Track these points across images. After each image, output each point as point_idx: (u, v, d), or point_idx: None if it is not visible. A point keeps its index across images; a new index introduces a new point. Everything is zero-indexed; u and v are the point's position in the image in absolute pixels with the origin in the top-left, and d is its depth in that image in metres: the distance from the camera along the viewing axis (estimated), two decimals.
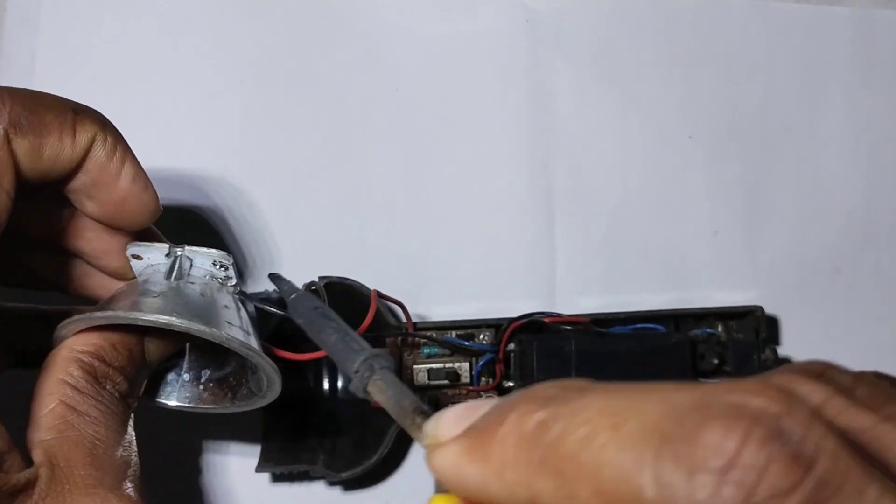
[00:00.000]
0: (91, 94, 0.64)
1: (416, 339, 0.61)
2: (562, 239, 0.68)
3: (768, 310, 0.66)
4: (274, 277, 0.55)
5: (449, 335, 0.62)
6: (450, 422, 0.33)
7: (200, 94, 0.66)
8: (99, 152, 0.48)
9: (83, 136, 0.48)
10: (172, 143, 0.66)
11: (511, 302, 0.66)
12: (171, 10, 0.66)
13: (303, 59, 0.67)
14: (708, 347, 0.65)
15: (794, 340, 0.70)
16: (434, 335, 0.62)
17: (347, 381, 0.47)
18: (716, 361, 0.65)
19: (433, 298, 0.66)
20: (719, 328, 0.66)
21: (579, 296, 0.68)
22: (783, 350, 0.70)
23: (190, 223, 0.65)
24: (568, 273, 0.68)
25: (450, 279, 0.67)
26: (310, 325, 0.50)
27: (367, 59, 0.68)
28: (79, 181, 0.48)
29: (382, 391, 0.41)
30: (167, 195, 0.64)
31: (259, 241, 0.65)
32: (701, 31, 0.71)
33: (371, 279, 0.62)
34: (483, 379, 0.62)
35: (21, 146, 0.45)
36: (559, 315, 0.63)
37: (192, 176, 0.65)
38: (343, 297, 0.59)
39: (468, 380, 0.62)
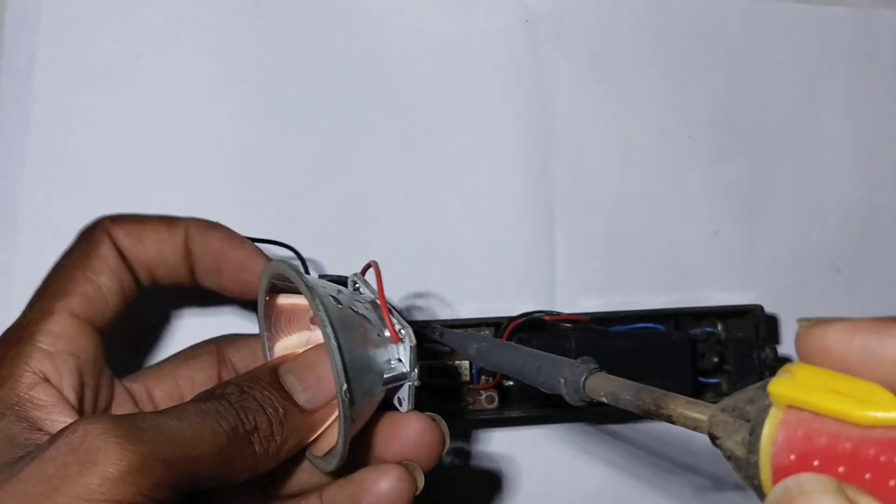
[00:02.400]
0: (91, 93, 0.64)
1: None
2: (562, 239, 0.68)
3: (768, 309, 0.66)
4: (428, 328, 0.58)
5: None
6: None
7: (200, 93, 0.66)
8: (197, 235, 0.54)
9: (178, 225, 0.54)
10: (172, 142, 0.65)
11: (511, 302, 0.66)
12: (172, 10, 0.66)
13: (303, 59, 0.67)
14: (708, 346, 0.65)
15: (793, 339, 0.70)
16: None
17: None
18: (716, 360, 0.65)
19: (433, 298, 0.66)
20: (719, 327, 0.66)
21: (579, 296, 0.68)
22: (783, 349, 0.70)
23: None
24: (568, 273, 0.68)
25: (450, 279, 0.67)
26: (488, 358, 0.53)
27: (367, 59, 0.68)
28: (200, 269, 0.55)
29: (607, 380, 0.43)
30: (167, 195, 0.65)
31: (258, 241, 0.65)
32: (701, 31, 0.71)
33: (370, 279, 0.62)
34: (483, 377, 0.62)
35: (119, 232, 0.52)
36: (559, 313, 0.63)
37: (191, 176, 0.65)
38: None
39: (468, 378, 0.62)
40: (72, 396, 0.48)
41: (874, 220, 0.72)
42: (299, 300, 0.54)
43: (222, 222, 0.64)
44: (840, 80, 0.72)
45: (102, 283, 0.51)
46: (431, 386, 0.62)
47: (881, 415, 0.30)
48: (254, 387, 0.48)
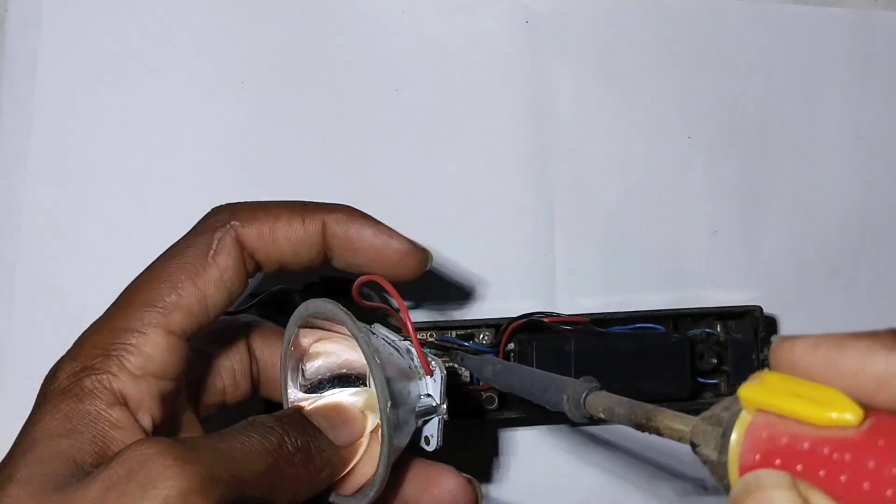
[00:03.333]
0: (92, 94, 0.65)
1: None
2: (562, 239, 0.68)
3: (767, 310, 0.66)
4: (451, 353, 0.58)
5: (448, 335, 0.62)
6: None
7: (201, 94, 0.66)
8: (338, 230, 0.52)
9: (314, 218, 0.52)
10: (173, 143, 0.66)
11: (511, 301, 0.66)
12: (172, 11, 0.66)
13: (303, 60, 0.67)
14: (707, 347, 0.65)
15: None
16: (433, 336, 0.62)
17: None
18: (714, 361, 0.65)
19: (433, 299, 0.67)
20: (718, 328, 0.66)
21: (579, 296, 0.68)
22: None
23: (190, 223, 0.65)
24: (567, 273, 0.68)
25: (450, 279, 0.67)
26: (501, 380, 0.54)
27: (367, 60, 0.68)
28: (341, 260, 0.54)
29: (605, 398, 0.45)
30: (168, 194, 0.65)
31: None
32: (700, 32, 0.71)
33: None
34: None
35: (250, 234, 0.50)
36: (558, 315, 0.63)
37: (192, 176, 0.66)
38: (344, 296, 0.59)
39: (468, 379, 0.63)
40: (146, 421, 0.46)
41: (872, 221, 0.72)
42: (326, 335, 0.54)
43: None
44: (838, 81, 0.72)
45: (211, 296, 0.48)
46: None
47: (836, 416, 0.33)
48: (286, 419, 0.48)
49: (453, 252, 0.68)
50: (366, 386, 0.53)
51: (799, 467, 0.33)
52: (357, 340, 0.48)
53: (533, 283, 0.68)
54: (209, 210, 0.52)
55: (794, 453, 0.34)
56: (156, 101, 0.66)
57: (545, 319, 0.63)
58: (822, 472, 0.33)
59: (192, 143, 0.66)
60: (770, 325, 0.69)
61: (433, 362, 0.51)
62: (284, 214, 0.51)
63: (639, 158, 0.70)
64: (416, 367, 0.51)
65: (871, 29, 0.73)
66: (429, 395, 0.51)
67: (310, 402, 0.52)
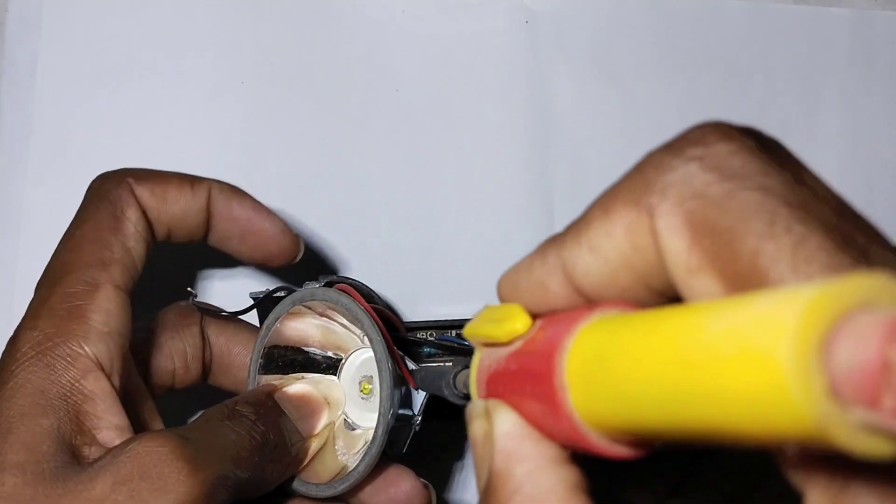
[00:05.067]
0: (92, 94, 0.65)
1: (414, 339, 0.61)
2: None
3: None
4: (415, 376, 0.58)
5: (448, 334, 0.62)
6: None
7: (201, 94, 0.67)
8: (221, 200, 0.54)
9: (201, 186, 0.53)
10: (173, 143, 0.66)
11: None
12: (172, 11, 0.66)
13: (303, 60, 0.68)
14: None
15: None
16: (433, 335, 0.62)
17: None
18: None
19: (433, 299, 0.67)
20: None
21: None
22: None
23: None
24: None
25: (450, 279, 0.67)
26: (424, 386, 0.54)
27: (367, 60, 0.68)
28: (217, 232, 0.54)
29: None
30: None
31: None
32: (700, 32, 0.71)
33: (371, 279, 0.62)
34: None
35: (144, 191, 0.50)
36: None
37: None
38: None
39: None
40: (118, 383, 0.45)
41: (873, 221, 0.72)
42: (299, 316, 0.55)
43: None
44: (838, 81, 0.72)
45: (134, 248, 0.49)
46: None
47: (509, 328, 0.35)
48: (263, 408, 0.49)
49: (453, 252, 0.68)
50: (332, 374, 0.54)
51: (500, 389, 0.35)
52: (372, 343, 0.49)
53: None
54: (96, 177, 0.52)
55: (496, 376, 0.36)
56: (156, 102, 0.66)
57: None
58: (509, 386, 0.34)
59: (192, 143, 0.66)
60: None
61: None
62: (175, 179, 0.52)
63: (639, 158, 0.69)
64: (400, 374, 0.52)
65: (871, 29, 0.72)
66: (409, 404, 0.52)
67: (277, 381, 0.54)
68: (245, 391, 0.54)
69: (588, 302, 0.33)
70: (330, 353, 0.55)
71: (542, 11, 0.70)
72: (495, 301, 0.66)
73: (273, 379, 0.54)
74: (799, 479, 0.27)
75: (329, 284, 0.57)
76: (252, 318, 0.59)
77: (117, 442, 0.43)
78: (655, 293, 0.31)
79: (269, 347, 0.54)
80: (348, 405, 0.54)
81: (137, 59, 0.66)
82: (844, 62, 0.72)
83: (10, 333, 0.61)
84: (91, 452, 0.43)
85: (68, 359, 0.44)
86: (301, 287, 0.56)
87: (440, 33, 0.69)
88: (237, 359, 0.57)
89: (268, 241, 0.55)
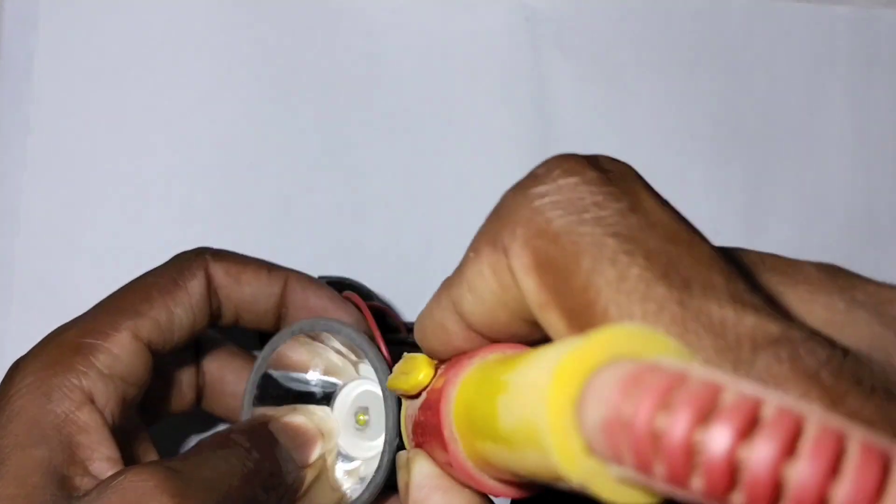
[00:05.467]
0: (90, 94, 0.65)
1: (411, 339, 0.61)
2: None
3: None
4: None
5: None
6: None
7: (199, 93, 0.66)
8: (298, 290, 0.55)
9: (278, 274, 0.54)
10: (171, 142, 0.66)
11: None
12: (170, 9, 0.66)
13: (301, 59, 0.67)
14: None
15: None
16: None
17: None
18: None
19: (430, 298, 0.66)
20: None
21: None
22: None
23: (188, 223, 0.65)
24: None
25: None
26: None
27: (367, 59, 0.68)
28: (286, 321, 0.55)
29: None
30: (166, 194, 0.65)
31: (258, 241, 0.65)
32: (702, 30, 0.71)
33: (370, 279, 0.62)
34: None
35: (218, 270, 0.52)
36: None
37: (191, 175, 0.66)
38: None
39: None
40: (111, 421, 0.46)
41: (875, 220, 0.72)
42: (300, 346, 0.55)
43: (224, 218, 0.64)
44: (841, 80, 0.72)
45: (177, 314, 0.50)
46: None
47: (413, 381, 0.36)
48: (257, 437, 0.49)
49: (453, 252, 0.67)
50: (326, 405, 0.55)
51: (420, 439, 0.36)
52: (377, 372, 0.49)
53: None
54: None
55: (416, 427, 0.36)
56: (154, 100, 0.66)
57: None
58: (422, 437, 0.35)
59: (191, 142, 0.66)
60: None
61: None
62: (253, 263, 0.54)
63: (640, 157, 0.68)
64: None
65: (874, 27, 0.72)
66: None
67: (271, 412, 0.53)
68: (239, 420, 0.54)
69: (484, 341, 0.34)
70: (325, 384, 0.55)
71: (543, 9, 0.69)
72: None
73: (268, 410, 0.54)
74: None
75: (333, 284, 0.57)
76: None
77: (109, 473, 0.43)
78: (537, 328, 0.31)
79: (264, 377, 0.54)
80: (343, 436, 0.55)
81: (135, 57, 0.66)
82: (847, 60, 0.72)
83: (8, 332, 0.62)
84: (83, 483, 0.43)
85: (65, 390, 0.45)
86: None
87: (440, 31, 0.69)
88: (229, 386, 0.57)
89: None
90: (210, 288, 0.52)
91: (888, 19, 0.72)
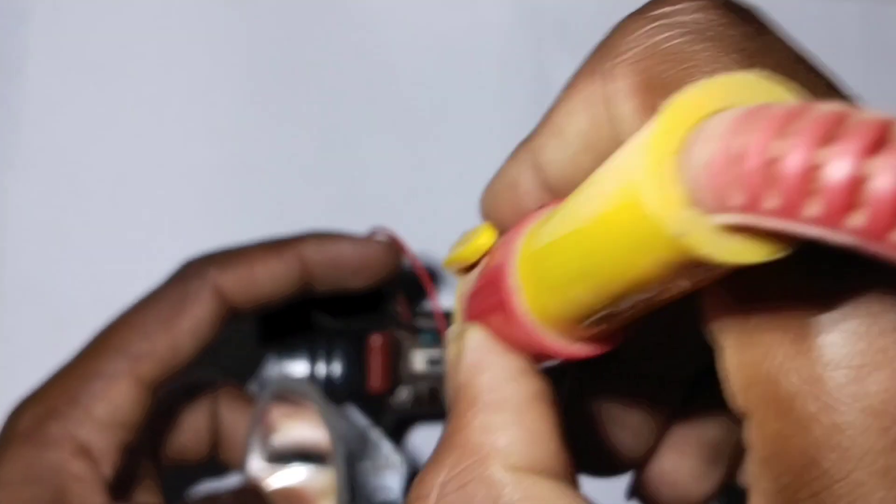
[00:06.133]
0: (83, 91, 0.65)
1: (415, 325, 0.61)
2: None
3: None
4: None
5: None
6: None
7: (194, 90, 0.66)
8: (316, 253, 0.54)
9: (289, 251, 0.53)
10: (165, 140, 0.66)
11: None
12: (163, 5, 0.66)
13: (299, 53, 0.67)
14: None
15: None
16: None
17: None
18: None
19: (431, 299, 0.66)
20: None
21: None
22: None
23: (182, 222, 0.65)
24: None
25: (449, 279, 0.66)
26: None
27: (366, 56, 0.68)
28: (326, 280, 0.55)
29: None
30: (160, 190, 0.64)
31: (253, 239, 0.65)
32: None
33: None
34: None
35: (229, 279, 0.51)
36: None
37: (185, 171, 0.65)
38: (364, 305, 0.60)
39: None
40: (107, 472, 0.46)
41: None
42: (299, 416, 0.54)
43: (217, 217, 0.64)
44: (848, 76, 0.71)
45: (182, 346, 0.49)
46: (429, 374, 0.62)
47: (474, 245, 0.34)
48: (245, 495, 0.50)
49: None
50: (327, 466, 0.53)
51: (473, 310, 0.34)
52: (324, 423, 0.48)
53: None
54: (184, 262, 0.52)
55: (470, 299, 0.34)
56: (147, 96, 0.66)
57: None
58: (480, 305, 0.33)
59: (185, 140, 0.66)
60: None
61: (395, 456, 0.52)
62: (259, 254, 0.53)
63: None
64: (379, 456, 0.52)
65: (881, 23, 0.72)
66: (390, 487, 0.52)
67: (270, 474, 0.53)
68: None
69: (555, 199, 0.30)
70: (322, 447, 0.54)
71: (544, 6, 0.70)
72: None
73: (267, 468, 0.53)
74: (714, 334, 0.25)
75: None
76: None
77: None
78: None
79: (263, 435, 0.54)
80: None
81: (129, 54, 0.66)
82: (854, 56, 0.72)
83: None
84: None
85: (60, 440, 0.45)
86: None
87: (440, 27, 0.69)
88: (245, 437, 0.56)
89: (380, 265, 0.57)
90: (220, 303, 0.51)
91: (895, 16, 0.73)
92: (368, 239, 0.56)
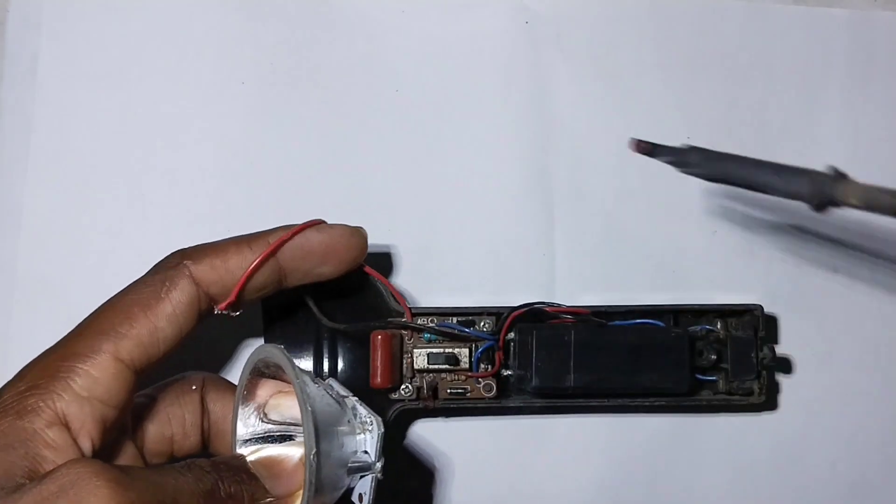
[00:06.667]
0: (93, 94, 0.65)
1: (415, 325, 0.62)
2: (561, 239, 0.69)
3: (767, 309, 0.66)
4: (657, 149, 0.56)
5: (450, 321, 0.63)
6: None
7: (201, 94, 0.67)
8: (285, 244, 0.55)
9: (259, 242, 0.55)
10: (173, 143, 0.66)
11: (511, 299, 0.66)
12: (173, 11, 0.67)
13: (303, 60, 0.68)
14: (706, 344, 0.65)
15: (791, 339, 0.70)
16: (434, 321, 0.63)
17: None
18: (713, 357, 0.65)
19: (433, 298, 0.66)
20: (718, 325, 0.66)
21: (579, 295, 0.68)
22: (781, 349, 0.70)
23: (190, 224, 0.66)
24: (567, 273, 0.68)
25: (450, 279, 0.67)
26: (708, 167, 0.54)
27: (367, 60, 0.69)
28: (297, 272, 0.56)
29: (860, 187, 0.44)
30: (169, 194, 0.65)
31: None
32: (699, 32, 0.71)
33: None
34: (482, 365, 0.62)
35: (203, 269, 0.53)
36: (560, 305, 0.63)
37: (193, 176, 0.66)
38: (347, 281, 0.60)
39: (467, 365, 0.62)
40: (86, 444, 0.47)
41: (872, 220, 0.72)
42: (283, 388, 0.55)
43: (223, 222, 0.64)
44: (838, 82, 0.72)
45: (162, 329, 0.51)
46: (430, 371, 0.63)
47: None
48: (226, 465, 0.49)
49: (452, 252, 0.68)
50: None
51: None
52: (294, 385, 0.49)
53: (532, 284, 0.68)
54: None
55: None
56: (156, 101, 0.66)
57: (546, 309, 0.62)
58: None
59: (193, 143, 0.66)
60: (770, 323, 0.69)
61: (371, 418, 0.52)
62: (232, 246, 0.54)
63: (638, 158, 0.69)
64: (355, 422, 0.52)
65: (870, 29, 0.73)
66: (365, 452, 0.52)
67: (255, 450, 0.54)
68: None
69: None
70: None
71: (542, 12, 0.70)
72: (494, 291, 0.67)
73: (252, 447, 0.54)
74: None
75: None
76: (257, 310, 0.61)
77: None
78: None
79: (247, 416, 0.55)
80: None
81: (138, 58, 0.66)
82: (843, 62, 0.72)
83: (10, 332, 0.62)
84: None
85: (37, 410, 0.46)
86: None
87: (440, 33, 0.69)
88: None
89: (347, 249, 0.58)
90: (198, 292, 0.52)
91: (884, 22, 0.73)
92: (335, 225, 0.57)
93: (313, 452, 0.47)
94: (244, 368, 0.54)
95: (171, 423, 0.55)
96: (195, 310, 0.52)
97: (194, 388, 0.56)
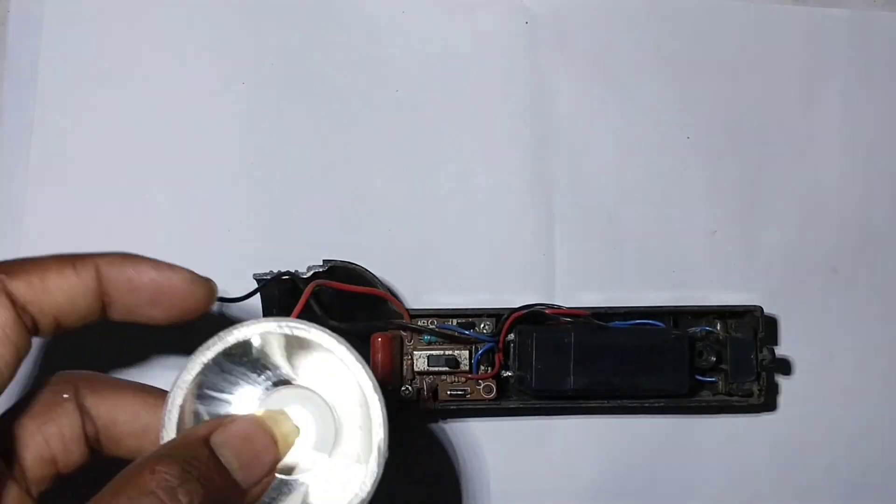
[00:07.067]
0: (93, 95, 0.65)
1: (416, 326, 0.62)
2: (561, 239, 0.69)
3: (766, 310, 0.66)
4: None
5: (450, 323, 0.63)
6: None
7: (202, 95, 0.67)
8: (113, 272, 0.49)
9: (85, 264, 0.49)
10: (174, 143, 0.66)
11: (510, 299, 0.66)
12: (174, 11, 0.67)
13: (304, 61, 0.68)
14: (706, 345, 0.65)
15: (791, 340, 0.70)
16: (434, 323, 0.63)
17: None
18: (713, 359, 0.65)
19: (433, 298, 0.67)
20: (718, 326, 0.66)
21: (578, 295, 0.68)
22: (780, 350, 0.70)
23: (191, 225, 0.66)
24: (567, 273, 0.68)
25: (450, 279, 0.67)
26: None
27: (368, 61, 0.69)
28: (120, 307, 0.50)
29: None
30: (169, 195, 0.65)
31: (260, 242, 0.65)
32: (699, 33, 0.71)
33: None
34: (482, 367, 0.62)
35: (20, 286, 0.46)
36: (559, 307, 0.63)
37: (193, 177, 0.66)
38: (347, 281, 0.61)
39: (467, 367, 0.63)
40: None
41: (871, 220, 0.72)
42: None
43: (224, 222, 0.65)
44: (837, 82, 0.72)
45: None
46: (430, 373, 0.63)
47: None
48: (194, 467, 0.43)
49: (454, 252, 0.68)
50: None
51: None
52: (356, 371, 0.47)
53: (532, 285, 0.68)
54: None
55: None
56: (157, 102, 0.66)
57: (546, 311, 0.63)
58: None
59: (193, 144, 0.66)
60: (770, 324, 0.69)
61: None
62: (54, 264, 0.48)
63: (638, 158, 0.70)
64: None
65: (870, 29, 0.73)
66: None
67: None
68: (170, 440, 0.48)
69: None
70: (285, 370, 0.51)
71: (542, 13, 0.70)
72: (494, 292, 0.67)
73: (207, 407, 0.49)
74: None
75: (331, 269, 0.57)
76: (255, 301, 0.60)
77: None
78: None
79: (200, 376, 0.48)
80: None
81: (138, 59, 0.66)
82: (843, 62, 0.73)
83: None
84: None
85: None
86: (305, 270, 0.57)
87: (440, 34, 0.69)
88: (124, 427, 0.51)
89: (183, 297, 0.51)
90: (16, 310, 0.46)
91: (883, 22, 0.73)
92: (177, 267, 0.51)
93: (381, 440, 0.45)
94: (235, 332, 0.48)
95: (49, 442, 0.49)
96: (23, 327, 0.46)
97: (66, 396, 0.50)
